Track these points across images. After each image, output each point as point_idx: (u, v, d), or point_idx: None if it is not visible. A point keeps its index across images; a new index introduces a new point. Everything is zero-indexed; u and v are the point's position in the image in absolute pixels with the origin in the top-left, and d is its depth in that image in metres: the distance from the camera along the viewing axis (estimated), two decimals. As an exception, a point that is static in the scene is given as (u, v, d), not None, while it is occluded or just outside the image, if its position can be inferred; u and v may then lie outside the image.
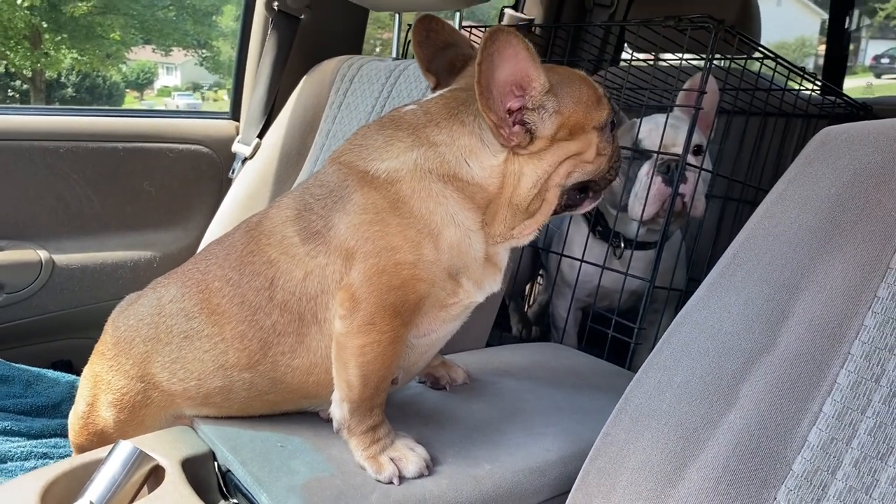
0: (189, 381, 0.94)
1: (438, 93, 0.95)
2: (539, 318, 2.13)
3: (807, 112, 1.58)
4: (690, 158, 1.34)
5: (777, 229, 0.82)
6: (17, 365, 1.54)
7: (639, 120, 1.42)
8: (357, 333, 0.84)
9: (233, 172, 1.85)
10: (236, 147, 1.87)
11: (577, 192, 0.95)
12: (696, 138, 1.36)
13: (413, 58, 1.29)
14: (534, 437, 0.96)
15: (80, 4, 9.79)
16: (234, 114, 2.02)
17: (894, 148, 0.77)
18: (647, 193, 1.34)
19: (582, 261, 1.46)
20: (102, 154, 1.75)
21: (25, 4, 9.08)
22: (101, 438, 1.00)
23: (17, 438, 1.34)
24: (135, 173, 1.80)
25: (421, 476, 0.85)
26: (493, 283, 0.95)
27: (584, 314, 1.67)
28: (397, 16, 1.64)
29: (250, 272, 0.91)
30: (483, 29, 1.74)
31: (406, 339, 0.89)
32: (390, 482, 0.84)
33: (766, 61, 1.45)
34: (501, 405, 1.04)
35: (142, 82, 13.52)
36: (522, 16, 2.27)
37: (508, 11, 2.28)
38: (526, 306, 2.28)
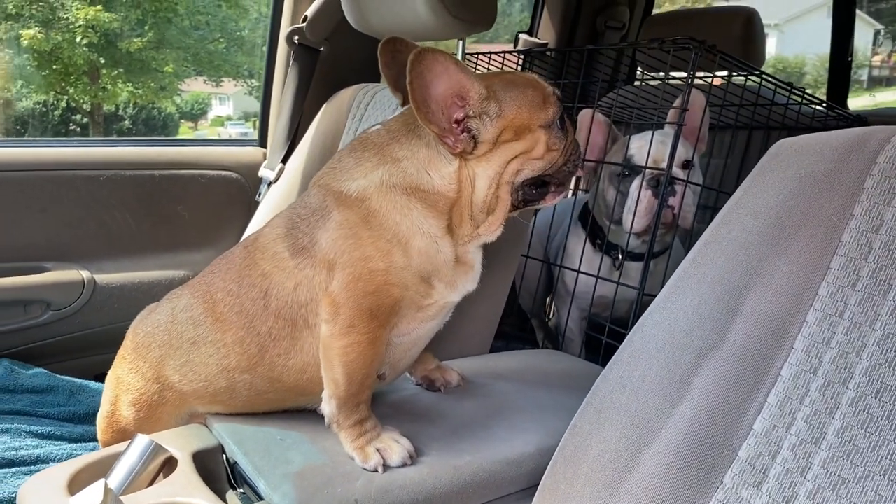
0: (197, 382, 1.04)
1: (400, 111, 1.04)
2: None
3: (798, 123, 1.62)
4: (679, 172, 1.40)
5: (731, 234, 0.87)
6: (61, 376, 1.67)
7: (628, 137, 1.48)
8: (339, 335, 0.93)
9: (259, 195, 1.97)
10: (262, 172, 1.99)
11: (535, 187, 1.00)
12: (685, 153, 1.42)
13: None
14: (515, 432, 1.03)
15: (135, 40, 10.15)
16: (262, 141, 2.14)
17: (837, 157, 0.82)
18: (636, 206, 1.40)
19: (579, 272, 1.52)
20: (140, 181, 1.88)
21: (84, 42, 9.44)
22: (123, 436, 1.10)
23: (59, 442, 1.46)
24: (170, 198, 1.93)
25: (404, 465, 0.93)
26: (467, 282, 1.02)
27: (589, 323, 1.73)
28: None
29: (247, 284, 1.01)
30: (492, 54, 1.83)
31: (385, 339, 0.97)
32: (375, 470, 0.92)
33: (759, 77, 1.50)
34: (490, 404, 1.12)
35: (196, 113, 13.89)
36: (536, 40, 2.36)
37: (523, 36, 2.37)
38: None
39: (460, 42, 1.56)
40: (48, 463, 1.35)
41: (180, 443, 0.99)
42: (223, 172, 2.01)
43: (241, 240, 1.13)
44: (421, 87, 0.88)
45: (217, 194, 2.00)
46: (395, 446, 0.94)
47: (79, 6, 8.96)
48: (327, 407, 0.97)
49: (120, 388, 1.11)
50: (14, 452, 1.36)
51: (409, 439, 0.97)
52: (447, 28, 1.46)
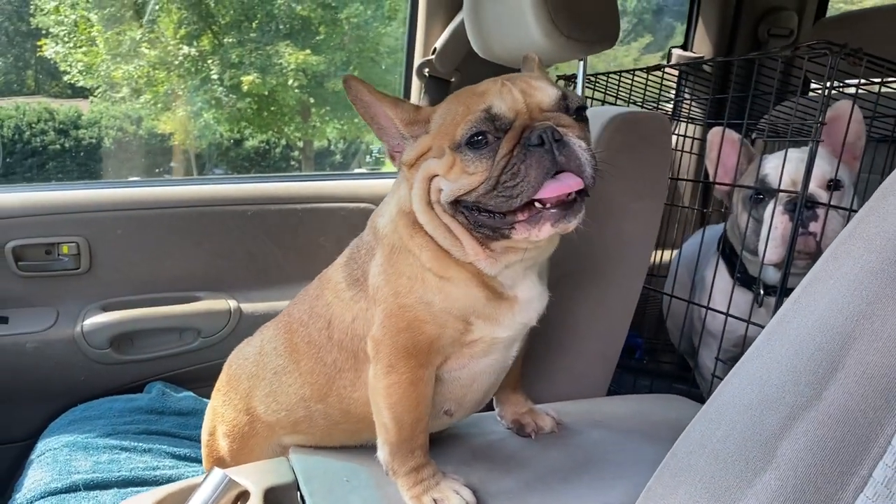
0: (280, 412, 1.05)
1: None
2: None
3: None
4: (822, 194, 1.21)
5: (839, 272, 0.74)
6: (206, 400, 1.77)
7: (761, 156, 1.31)
8: (382, 375, 0.90)
9: (394, 227, 1.98)
10: (400, 203, 2.01)
11: (481, 213, 0.86)
12: (830, 171, 1.23)
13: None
14: (599, 489, 0.93)
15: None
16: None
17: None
18: (769, 234, 1.23)
19: (707, 307, 1.37)
20: (284, 215, 1.97)
21: (295, 84, 10.31)
22: (222, 465, 1.13)
23: (194, 464, 1.54)
24: (312, 231, 2.00)
25: (462, 518, 0.87)
26: (516, 316, 0.93)
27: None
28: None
29: (315, 314, 1.01)
30: (621, 73, 1.72)
31: (428, 379, 0.91)
32: (431, 522, 0.86)
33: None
34: (579, 455, 1.02)
35: (403, 146, 14.65)
36: (690, 54, 2.20)
37: (676, 51, 2.23)
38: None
39: (581, 62, 1.48)
40: (178, 484, 1.42)
41: (256, 477, 1.00)
42: (362, 205, 2.06)
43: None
44: (363, 108, 0.92)
45: (356, 226, 2.01)
46: (453, 497, 0.88)
47: (290, 52, 9.83)
48: (381, 453, 0.94)
49: (216, 420, 1.15)
50: (151, 472, 1.45)
51: (476, 490, 0.91)
52: (563, 50, 1.39)
